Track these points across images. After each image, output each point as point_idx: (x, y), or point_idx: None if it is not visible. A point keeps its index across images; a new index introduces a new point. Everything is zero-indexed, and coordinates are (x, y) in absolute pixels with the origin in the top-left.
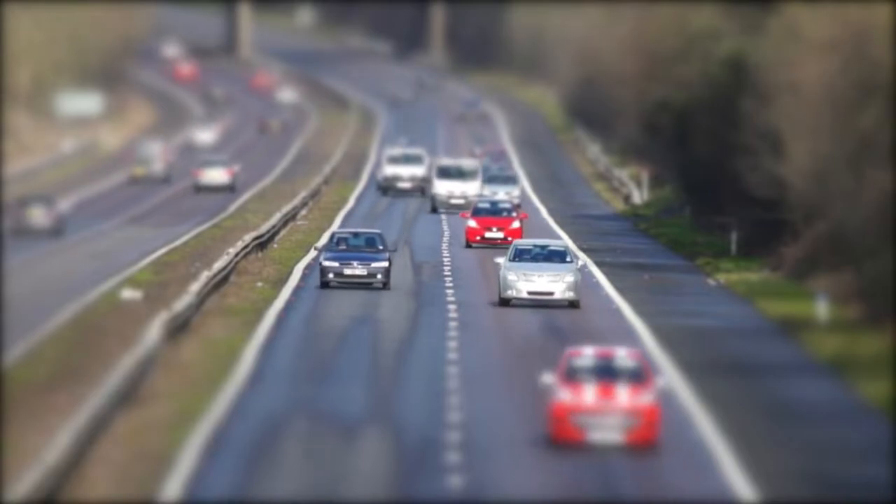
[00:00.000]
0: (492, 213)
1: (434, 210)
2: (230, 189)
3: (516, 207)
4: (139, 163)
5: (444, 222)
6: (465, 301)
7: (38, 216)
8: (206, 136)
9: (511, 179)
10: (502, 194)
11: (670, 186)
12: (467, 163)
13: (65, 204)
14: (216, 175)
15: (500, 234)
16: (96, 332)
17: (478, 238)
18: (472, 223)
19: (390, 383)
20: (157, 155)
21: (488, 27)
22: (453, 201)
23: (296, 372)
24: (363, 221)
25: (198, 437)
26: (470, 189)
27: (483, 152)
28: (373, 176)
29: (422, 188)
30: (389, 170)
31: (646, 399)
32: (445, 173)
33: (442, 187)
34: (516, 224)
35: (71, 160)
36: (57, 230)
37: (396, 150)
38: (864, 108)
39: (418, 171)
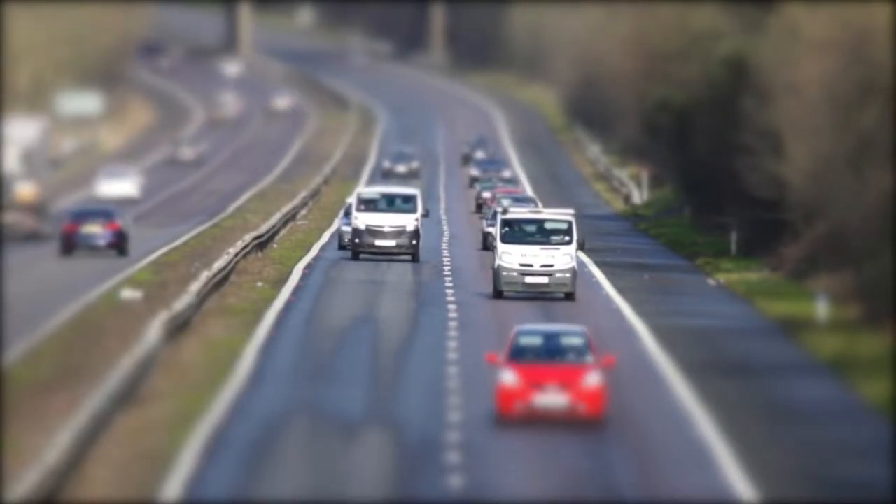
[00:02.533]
0: (546, 355)
1: (342, 247)
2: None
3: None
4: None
5: (444, 222)
6: (465, 301)
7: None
8: (119, 187)
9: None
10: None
11: (670, 186)
12: (404, 190)
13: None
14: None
15: (564, 401)
16: (96, 332)
17: (521, 409)
18: (509, 377)
19: (390, 383)
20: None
21: (488, 27)
22: (379, 243)
23: (296, 372)
24: None
25: (198, 437)
26: (408, 222)
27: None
28: (345, 213)
29: (414, 249)
30: (363, 219)
31: (591, 381)
32: (370, 205)
33: (363, 221)
34: (593, 380)
35: (71, 160)
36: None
37: (371, 191)
38: (864, 108)
39: (408, 220)
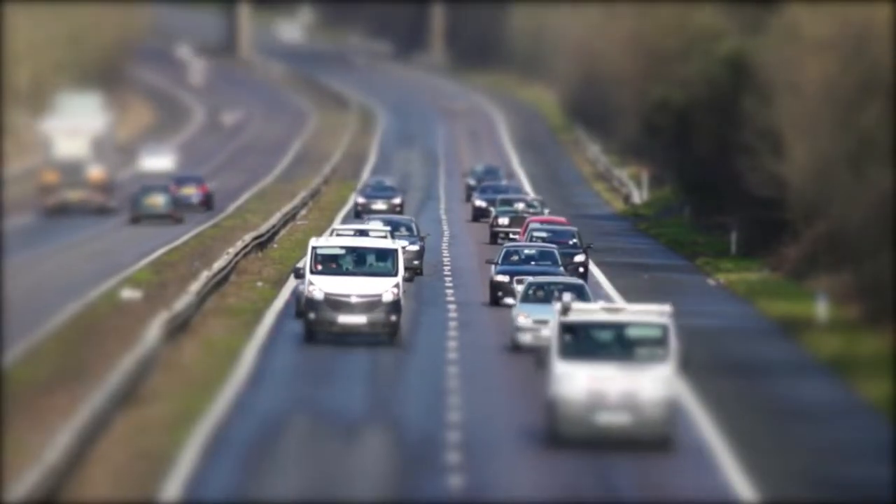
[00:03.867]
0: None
1: (300, 314)
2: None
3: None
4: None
5: (444, 222)
6: (465, 301)
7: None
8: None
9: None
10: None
11: (670, 186)
12: (379, 243)
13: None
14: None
15: None
16: (96, 331)
17: None
18: None
19: (390, 383)
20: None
21: (488, 27)
22: (344, 320)
23: (296, 372)
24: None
25: (198, 437)
26: (384, 290)
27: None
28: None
29: (392, 327)
30: (320, 284)
31: None
32: (331, 265)
33: (321, 287)
34: None
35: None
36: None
37: (331, 244)
38: (864, 108)
39: (385, 287)
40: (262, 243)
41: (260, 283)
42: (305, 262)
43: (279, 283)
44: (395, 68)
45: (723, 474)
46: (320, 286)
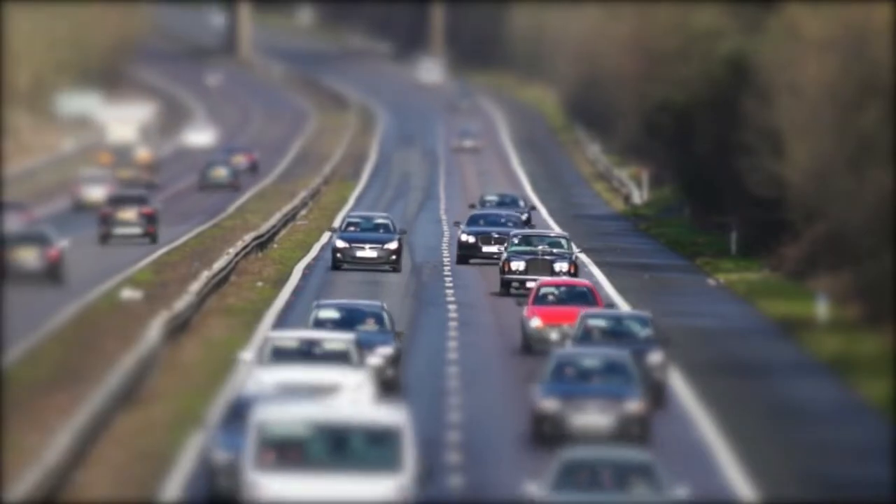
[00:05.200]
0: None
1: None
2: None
3: None
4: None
5: (444, 222)
6: (465, 301)
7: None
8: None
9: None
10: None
11: (670, 186)
12: (335, 340)
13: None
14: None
15: None
16: (96, 331)
17: None
18: None
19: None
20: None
21: (488, 27)
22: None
23: None
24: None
25: (198, 438)
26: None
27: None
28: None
29: None
30: (273, 376)
31: None
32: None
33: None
34: None
35: (71, 160)
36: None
37: (285, 336)
38: (864, 108)
39: (348, 383)
40: (262, 243)
41: (260, 283)
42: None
43: (279, 283)
44: (395, 68)
45: (722, 474)
46: (274, 376)
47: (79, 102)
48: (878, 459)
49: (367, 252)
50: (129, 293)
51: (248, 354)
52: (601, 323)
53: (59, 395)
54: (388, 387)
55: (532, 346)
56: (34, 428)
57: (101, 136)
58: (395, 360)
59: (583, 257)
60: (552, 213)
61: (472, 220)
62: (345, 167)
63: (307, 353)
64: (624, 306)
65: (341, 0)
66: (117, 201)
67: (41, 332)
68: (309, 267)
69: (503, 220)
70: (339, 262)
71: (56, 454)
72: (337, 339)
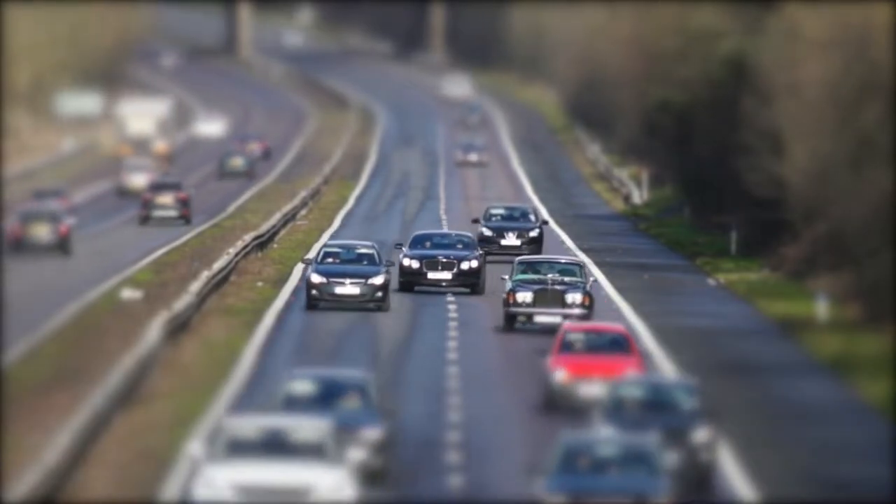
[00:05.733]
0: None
1: None
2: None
3: None
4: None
5: (444, 222)
6: (465, 301)
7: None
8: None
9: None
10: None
11: (670, 186)
12: (307, 428)
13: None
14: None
15: None
16: (96, 331)
17: None
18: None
19: (390, 383)
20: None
21: (488, 27)
22: None
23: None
24: (363, 222)
25: (197, 438)
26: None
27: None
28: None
29: None
30: (231, 478)
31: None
32: (242, 450)
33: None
34: None
35: (71, 160)
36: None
37: (246, 425)
38: (864, 108)
39: (319, 485)
40: (262, 243)
41: (260, 283)
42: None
43: (279, 283)
44: (394, 68)
45: (722, 474)
46: (232, 479)
47: (78, 102)
48: (878, 459)
49: (348, 289)
50: (129, 293)
51: (196, 445)
52: (636, 393)
53: (59, 395)
54: (374, 479)
55: (557, 403)
56: (34, 428)
57: (120, 129)
58: (383, 447)
59: (583, 256)
60: (552, 214)
61: (416, 241)
62: (345, 167)
63: (272, 445)
64: (625, 307)
65: (341, 0)
66: (157, 187)
67: (41, 332)
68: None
69: (452, 242)
70: (316, 300)
71: (56, 454)
72: (309, 428)
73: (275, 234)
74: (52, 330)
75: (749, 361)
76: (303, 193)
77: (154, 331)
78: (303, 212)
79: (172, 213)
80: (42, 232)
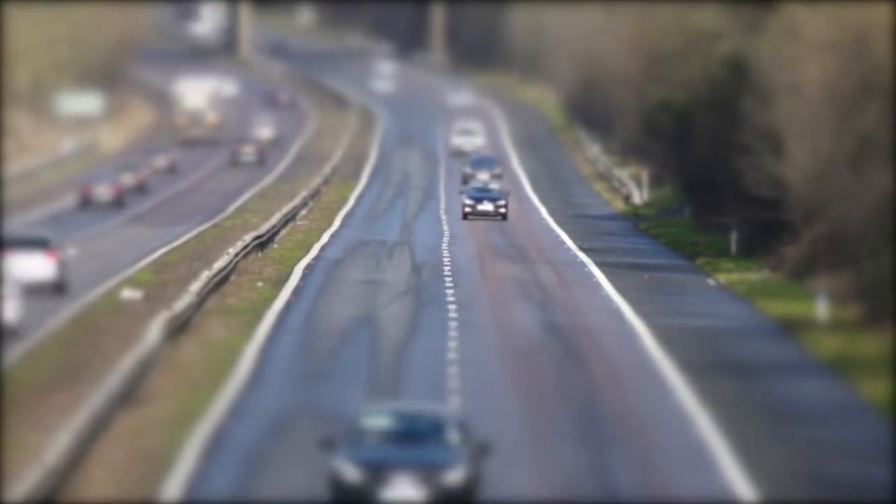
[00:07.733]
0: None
1: None
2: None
3: None
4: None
5: (444, 222)
6: (466, 301)
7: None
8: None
9: None
10: None
11: (670, 186)
12: None
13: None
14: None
15: None
16: (96, 332)
17: None
18: None
19: (390, 383)
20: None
21: (488, 27)
22: None
23: (296, 372)
24: (363, 221)
25: (198, 438)
26: None
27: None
28: None
29: None
30: None
31: None
32: None
33: None
34: None
35: (71, 160)
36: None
37: None
38: (864, 108)
39: None
40: (262, 243)
41: (260, 284)
42: None
43: (279, 283)
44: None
45: (722, 474)
46: None
47: (78, 102)
48: (878, 459)
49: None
50: (129, 293)
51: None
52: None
53: (59, 395)
54: None
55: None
56: (34, 428)
57: (178, 103)
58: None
59: (583, 256)
60: (552, 213)
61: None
62: (345, 167)
63: None
64: (625, 307)
65: (341, 0)
66: (241, 141)
67: (41, 332)
68: (309, 267)
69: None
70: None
71: (56, 454)
72: None
73: (275, 234)
74: (52, 330)
75: (749, 361)
76: (303, 193)
77: (154, 331)
78: (303, 212)
79: (252, 158)
80: (104, 193)
